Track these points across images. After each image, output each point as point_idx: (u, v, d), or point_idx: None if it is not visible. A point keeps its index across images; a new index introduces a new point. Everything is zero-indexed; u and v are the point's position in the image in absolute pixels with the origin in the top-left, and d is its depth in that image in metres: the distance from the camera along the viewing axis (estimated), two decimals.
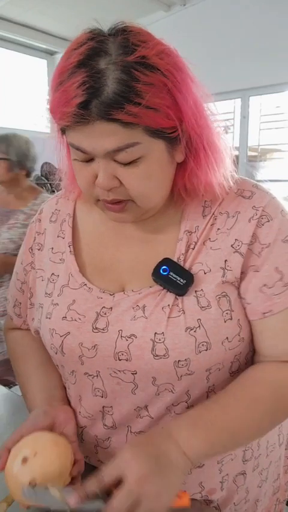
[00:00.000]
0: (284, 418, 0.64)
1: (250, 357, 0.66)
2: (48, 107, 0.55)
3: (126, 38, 0.51)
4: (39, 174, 3.56)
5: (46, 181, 3.51)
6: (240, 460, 0.68)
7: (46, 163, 3.54)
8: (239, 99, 3.15)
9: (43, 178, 3.53)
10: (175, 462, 0.52)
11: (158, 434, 0.55)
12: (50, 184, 3.50)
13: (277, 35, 2.79)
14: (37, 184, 3.55)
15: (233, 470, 0.67)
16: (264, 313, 0.60)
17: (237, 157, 3.12)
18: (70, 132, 0.54)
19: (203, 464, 0.63)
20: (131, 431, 0.64)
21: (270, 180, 3.11)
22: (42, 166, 3.55)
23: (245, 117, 3.16)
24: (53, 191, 3.44)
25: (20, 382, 0.76)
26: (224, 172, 0.62)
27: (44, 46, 3.72)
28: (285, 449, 0.81)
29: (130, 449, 0.52)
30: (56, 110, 0.52)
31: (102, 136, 0.51)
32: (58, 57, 3.85)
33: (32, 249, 0.76)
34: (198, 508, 0.64)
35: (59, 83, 0.51)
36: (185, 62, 0.56)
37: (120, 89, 0.48)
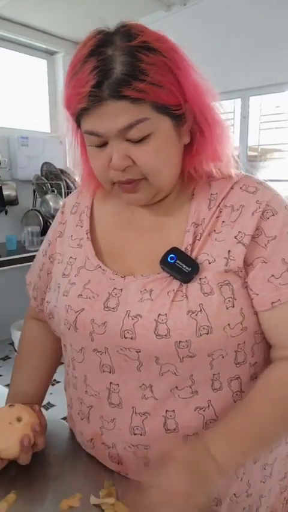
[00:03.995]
0: None
1: (257, 350, 0.68)
2: (63, 103, 0.61)
3: (128, 30, 0.58)
4: (39, 174, 3.55)
5: (46, 181, 3.51)
6: None
7: (46, 163, 3.53)
8: (239, 99, 3.14)
9: (43, 178, 3.53)
10: (212, 476, 0.56)
11: (197, 451, 0.58)
12: (50, 184, 3.49)
13: (277, 35, 2.78)
14: (37, 184, 3.55)
15: None
16: (273, 302, 0.63)
17: (237, 157, 3.11)
18: (85, 119, 0.60)
19: None
20: (135, 412, 0.66)
21: (270, 180, 3.09)
22: (42, 166, 3.54)
23: (245, 117, 3.16)
24: (53, 191, 3.44)
25: (12, 373, 0.86)
26: (230, 150, 0.67)
27: (44, 46, 3.71)
28: None
29: (175, 467, 0.55)
30: (72, 98, 0.58)
31: (114, 116, 0.57)
32: (58, 57, 3.85)
33: (55, 238, 0.83)
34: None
35: (73, 74, 0.58)
36: (182, 48, 0.62)
37: (127, 69, 0.55)
